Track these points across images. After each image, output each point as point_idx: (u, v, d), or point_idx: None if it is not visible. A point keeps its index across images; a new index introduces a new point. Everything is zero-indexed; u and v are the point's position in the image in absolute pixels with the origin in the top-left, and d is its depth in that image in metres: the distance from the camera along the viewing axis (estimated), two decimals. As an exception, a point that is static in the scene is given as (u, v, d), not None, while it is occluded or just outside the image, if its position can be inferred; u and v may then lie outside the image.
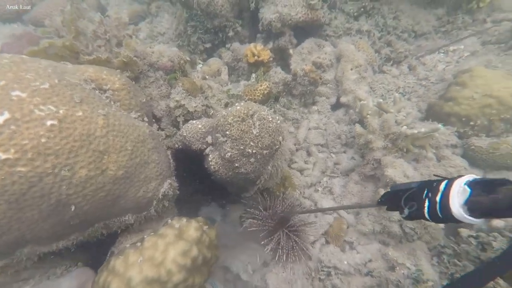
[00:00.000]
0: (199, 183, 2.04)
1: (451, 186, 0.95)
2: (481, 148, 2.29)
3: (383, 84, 3.12)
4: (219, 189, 2.05)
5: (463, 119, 2.42)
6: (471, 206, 0.89)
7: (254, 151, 1.72)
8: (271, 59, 3.36)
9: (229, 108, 1.81)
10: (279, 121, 1.86)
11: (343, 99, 3.10)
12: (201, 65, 3.79)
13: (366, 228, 2.21)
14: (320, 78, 3.24)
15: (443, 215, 0.96)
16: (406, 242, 2.08)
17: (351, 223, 2.36)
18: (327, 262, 2.13)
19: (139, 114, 1.49)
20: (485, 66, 2.75)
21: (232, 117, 1.72)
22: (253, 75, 3.34)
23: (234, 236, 2.38)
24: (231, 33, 3.64)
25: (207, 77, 3.48)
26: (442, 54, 3.29)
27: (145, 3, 4.32)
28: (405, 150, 2.37)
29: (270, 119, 1.80)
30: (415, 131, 2.22)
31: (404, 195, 1.14)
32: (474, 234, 1.84)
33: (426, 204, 1.03)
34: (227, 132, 1.70)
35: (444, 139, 2.55)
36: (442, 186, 0.99)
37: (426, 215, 1.03)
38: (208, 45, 3.79)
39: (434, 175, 1.11)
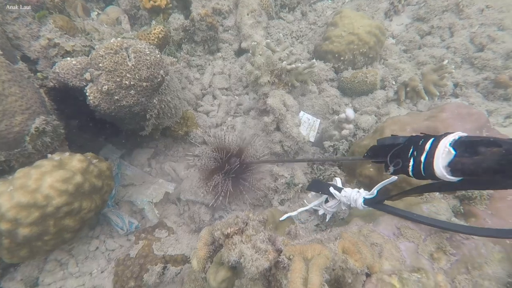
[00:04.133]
0: (89, 123, 2.06)
1: (436, 146, 0.98)
2: (347, 78, 2.76)
3: (279, 29, 3.37)
4: (113, 128, 2.11)
5: (336, 55, 2.84)
6: (454, 167, 0.93)
7: (132, 83, 1.79)
8: (170, 5, 3.29)
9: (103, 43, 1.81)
10: (159, 55, 1.94)
11: (243, 44, 3.26)
12: (96, 13, 3.48)
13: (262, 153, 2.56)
14: (221, 24, 3.33)
15: (426, 174, 1.01)
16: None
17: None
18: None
19: (-16, 45, 1.41)
20: (356, 9, 3.18)
21: (104, 49, 1.74)
22: (153, 22, 3.24)
23: (141, 176, 2.52)
24: (125, -24, 3.38)
25: (105, 26, 3.25)
26: (329, 0, 3.65)
27: None
28: (290, 85, 2.71)
29: (148, 52, 1.87)
30: (294, 66, 2.55)
31: (390, 151, 1.17)
32: (332, 144, 2.33)
33: (411, 163, 1.06)
34: (100, 65, 1.72)
35: (325, 74, 2.97)
36: (428, 145, 1.01)
37: (410, 173, 1.08)
38: (101, -10, 3.47)
39: (421, 133, 1.12)
